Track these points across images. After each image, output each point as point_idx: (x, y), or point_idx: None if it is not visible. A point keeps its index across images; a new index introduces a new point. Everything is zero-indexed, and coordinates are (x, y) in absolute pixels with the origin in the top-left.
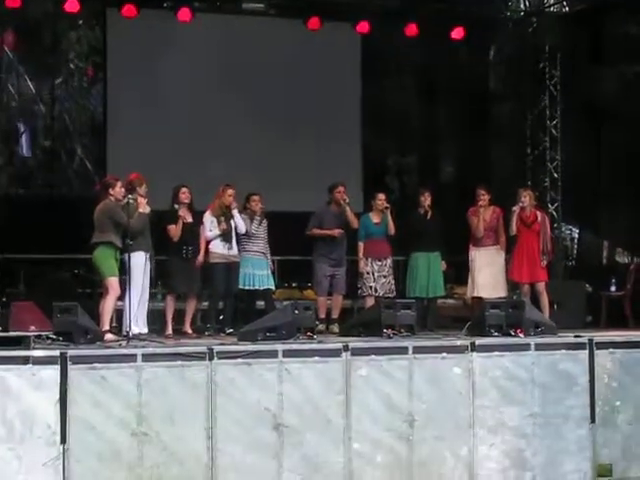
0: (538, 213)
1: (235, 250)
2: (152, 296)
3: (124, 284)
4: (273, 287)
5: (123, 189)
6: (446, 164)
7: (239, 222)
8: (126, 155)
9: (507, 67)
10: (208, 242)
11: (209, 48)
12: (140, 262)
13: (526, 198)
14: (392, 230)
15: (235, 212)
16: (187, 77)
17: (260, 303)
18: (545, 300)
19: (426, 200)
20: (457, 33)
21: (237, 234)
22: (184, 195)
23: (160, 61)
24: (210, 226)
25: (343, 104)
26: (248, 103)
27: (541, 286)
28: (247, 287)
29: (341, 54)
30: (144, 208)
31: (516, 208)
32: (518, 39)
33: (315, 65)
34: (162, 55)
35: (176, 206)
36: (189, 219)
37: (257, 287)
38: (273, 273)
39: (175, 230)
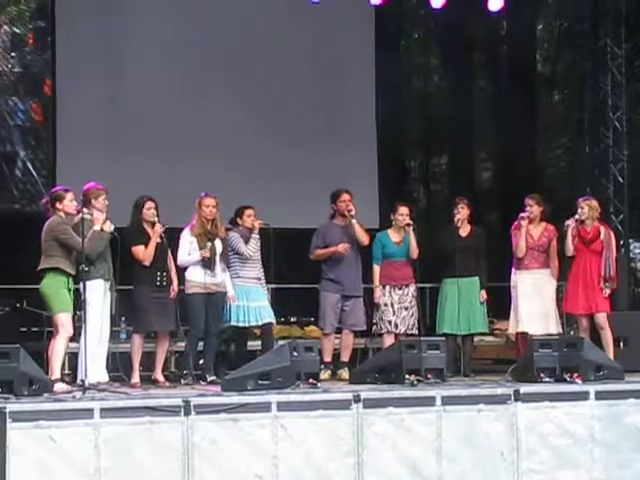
0: (602, 228)
1: (219, 278)
2: (114, 335)
3: (80, 321)
4: (274, 320)
5: (74, 202)
6: (484, 167)
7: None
8: (82, 160)
9: (559, 44)
10: (184, 268)
11: (189, 15)
12: (98, 293)
13: (584, 209)
14: (415, 253)
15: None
16: (162, 55)
17: (253, 343)
18: (608, 336)
19: (459, 213)
20: (494, 3)
21: (225, 257)
22: (149, 211)
23: (126, 32)
24: (189, 248)
25: (352, 91)
26: (235, 92)
27: (602, 318)
28: (241, 324)
29: (349, 27)
30: (101, 225)
31: (570, 222)
32: (572, 9)
33: (316, 42)
34: (128, 23)
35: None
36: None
37: (254, 323)
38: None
39: (145, 252)
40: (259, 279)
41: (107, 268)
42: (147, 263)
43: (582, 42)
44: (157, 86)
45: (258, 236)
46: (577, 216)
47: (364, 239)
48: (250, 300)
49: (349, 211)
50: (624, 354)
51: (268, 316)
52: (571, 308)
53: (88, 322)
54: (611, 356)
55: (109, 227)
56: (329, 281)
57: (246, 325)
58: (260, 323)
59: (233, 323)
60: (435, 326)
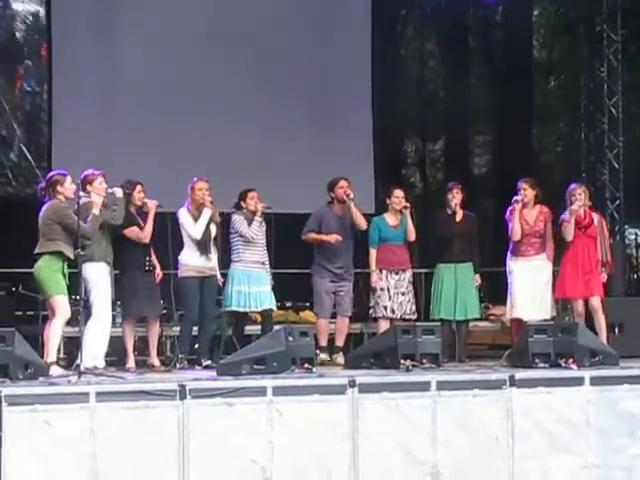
0: (594, 215)
1: (213, 261)
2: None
3: (78, 305)
4: (274, 307)
5: (74, 185)
6: (480, 152)
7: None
8: (78, 144)
9: (554, 31)
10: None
11: (185, 3)
12: (103, 276)
13: (582, 196)
14: (412, 235)
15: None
16: (157, 40)
17: (251, 328)
18: (601, 320)
19: (454, 198)
20: None
21: (217, 241)
22: (140, 195)
23: (123, 15)
24: (192, 222)
25: (348, 77)
26: (230, 76)
27: (596, 302)
28: (241, 309)
29: (346, 13)
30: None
31: (576, 207)
32: None
33: (313, 27)
34: (126, 7)
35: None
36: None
37: (254, 308)
38: (273, 289)
39: (140, 232)
40: (263, 263)
41: (109, 252)
42: (147, 241)
43: (578, 28)
44: (156, 68)
45: (261, 219)
46: (580, 202)
47: (362, 223)
48: (251, 285)
49: (347, 195)
50: (619, 340)
51: (268, 302)
52: (571, 292)
53: (93, 306)
54: (604, 340)
55: (119, 193)
56: (321, 267)
57: (246, 310)
58: (260, 309)
59: (233, 308)
60: (429, 311)
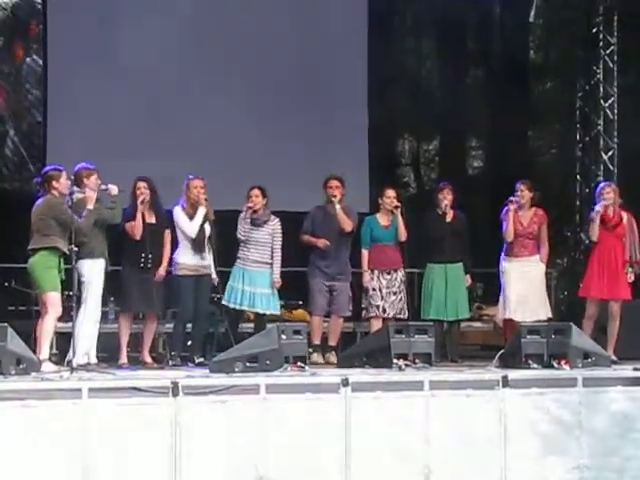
0: (623, 213)
1: (207, 260)
2: (102, 316)
3: (71, 300)
4: (267, 311)
5: (69, 181)
6: (475, 153)
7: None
8: (73, 140)
9: (551, 31)
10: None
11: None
12: (100, 273)
13: (611, 194)
14: (403, 236)
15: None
16: (152, 39)
17: (245, 325)
18: (616, 326)
19: (445, 198)
20: None
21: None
22: (139, 191)
23: (117, 14)
24: (187, 219)
25: (343, 76)
26: (227, 75)
27: (617, 307)
28: (232, 305)
29: (342, 10)
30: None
31: (600, 208)
32: None
33: (307, 25)
34: (120, 5)
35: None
36: (151, 219)
37: (246, 307)
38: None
39: (132, 226)
40: (265, 263)
41: (105, 246)
42: (138, 237)
43: (575, 30)
44: (156, 63)
45: (261, 218)
46: (605, 202)
47: (346, 226)
48: (246, 284)
49: (334, 197)
50: (618, 342)
51: (260, 306)
52: (597, 292)
53: (89, 302)
54: (612, 346)
55: (115, 190)
56: (314, 266)
57: (236, 307)
58: (251, 310)
59: (224, 302)
60: (421, 310)
